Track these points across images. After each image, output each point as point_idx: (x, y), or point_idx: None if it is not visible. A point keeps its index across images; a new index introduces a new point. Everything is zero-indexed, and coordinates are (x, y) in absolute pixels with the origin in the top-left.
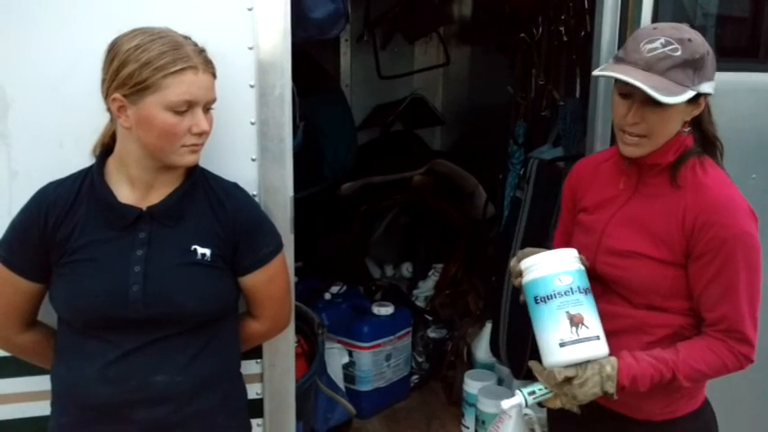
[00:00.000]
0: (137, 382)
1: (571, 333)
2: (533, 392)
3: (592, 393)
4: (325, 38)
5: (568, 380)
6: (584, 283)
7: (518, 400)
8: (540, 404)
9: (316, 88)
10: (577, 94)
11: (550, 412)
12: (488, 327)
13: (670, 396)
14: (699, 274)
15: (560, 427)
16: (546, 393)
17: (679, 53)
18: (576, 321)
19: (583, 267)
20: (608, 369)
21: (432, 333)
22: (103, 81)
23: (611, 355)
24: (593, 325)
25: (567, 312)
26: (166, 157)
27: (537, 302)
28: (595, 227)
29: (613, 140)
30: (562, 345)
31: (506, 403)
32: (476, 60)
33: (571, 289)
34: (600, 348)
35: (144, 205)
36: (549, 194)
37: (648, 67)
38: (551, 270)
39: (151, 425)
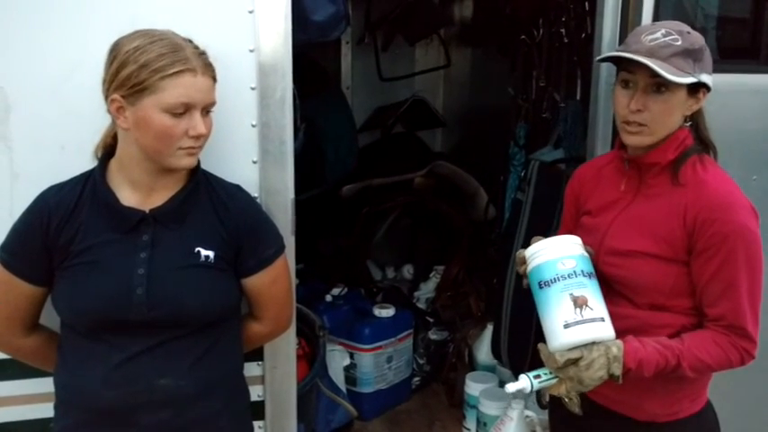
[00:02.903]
0: (141, 386)
1: (575, 314)
2: (539, 376)
3: (598, 377)
4: (326, 40)
5: (574, 362)
6: (588, 267)
7: (523, 384)
8: (540, 399)
9: (317, 90)
10: (578, 96)
11: (552, 414)
12: (490, 328)
13: (673, 396)
14: (700, 270)
15: (562, 428)
16: (551, 378)
17: (679, 42)
18: (579, 303)
19: (586, 254)
20: (614, 350)
21: (433, 335)
22: (104, 82)
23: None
24: (598, 307)
25: (571, 294)
26: (163, 160)
27: (541, 287)
28: (598, 228)
29: (614, 142)
30: (566, 326)
31: (512, 386)
32: (476, 62)
33: (574, 272)
34: (605, 330)
35: (146, 207)
36: (550, 196)
37: (651, 53)
38: (554, 255)
39: (156, 428)
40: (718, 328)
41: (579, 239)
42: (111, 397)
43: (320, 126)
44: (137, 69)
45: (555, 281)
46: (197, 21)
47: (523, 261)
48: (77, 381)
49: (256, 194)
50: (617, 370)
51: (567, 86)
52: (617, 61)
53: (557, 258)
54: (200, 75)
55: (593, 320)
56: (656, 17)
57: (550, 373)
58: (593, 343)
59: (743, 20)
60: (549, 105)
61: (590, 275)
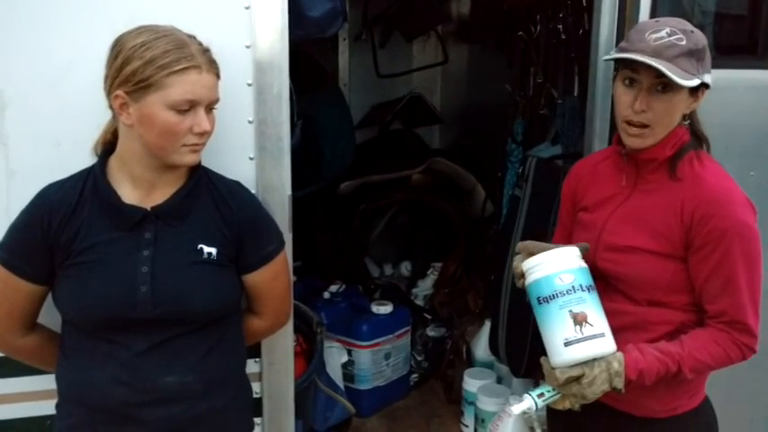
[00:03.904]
0: (149, 384)
1: (575, 332)
2: (542, 394)
3: (600, 391)
4: (323, 36)
5: (576, 379)
6: (587, 280)
7: (528, 404)
8: (548, 407)
9: (314, 87)
10: (576, 92)
11: (550, 410)
12: (487, 325)
13: (671, 393)
14: (699, 266)
15: (560, 425)
16: (555, 395)
17: (684, 42)
18: (579, 320)
19: (585, 265)
20: (615, 365)
21: (431, 332)
22: (106, 77)
23: (618, 350)
24: (598, 322)
25: (570, 311)
26: (167, 156)
27: (540, 303)
28: (595, 224)
29: (611, 138)
30: (567, 344)
31: (517, 408)
32: (474, 59)
33: (573, 287)
34: (605, 345)
35: (147, 205)
36: (548, 192)
37: (657, 54)
38: (552, 270)
39: (163, 425)
40: (719, 325)
41: (577, 250)
42: (117, 395)
43: (317, 123)
44: (142, 65)
45: (553, 297)
46: (193, 17)
47: (522, 275)
48: (82, 379)
49: (253, 191)
50: (619, 384)
51: (565, 83)
52: (618, 59)
53: (554, 273)
54: (206, 72)
55: (593, 337)
56: (654, 13)
57: (553, 389)
58: (594, 359)
59: (739, 15)
60: (547, 102)
61: (589, 289)
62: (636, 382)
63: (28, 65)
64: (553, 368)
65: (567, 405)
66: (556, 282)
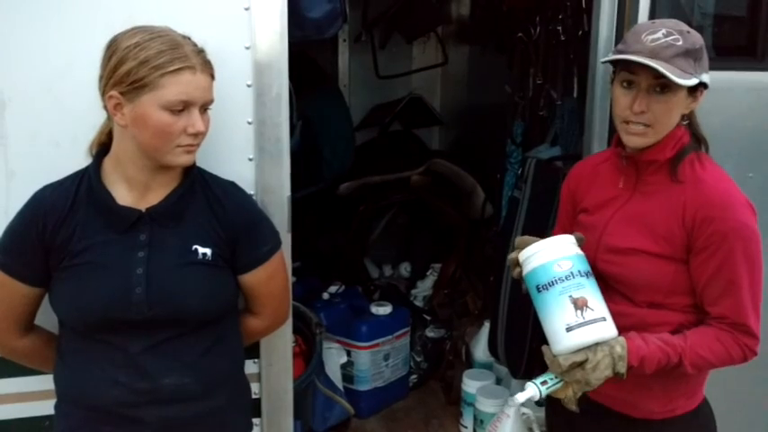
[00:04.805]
0: (146, 385)
1: (576, 317)
2: (545, 382)
3: (604, 376)
4: (323, 37)
5: (579, 365)
6: (585, 266)
7: (532, 392)
8: (548, 397)
9: (314, 88)
10: (575, 94)
11: (549, 411)
12: (487, 326)
13: (669, 394)
14: (700, 269)
15: (559, 426)
16: (558, 382)
17: (681, 43)
18: (579, 304)
19: (581, 252)
20: (618, 349)
21: (430, 333)
22: (101, 78)
23: (619, 335)
24: (598, 307)
25: (570, 296)
26: (161, 157)
27: (539, 291)
28: (596, 226)
29: (611, 140)
30: (569, 329)
31: (521, 396)
32: (474, 60)
33: (572, 273)
34: (607, 330)
35: (142, 206)
36: (547, 194)
37: (654, 54)
38: (550, 257)
39: (162, 425)
40: (722, 326)
41: (573, 238)
42: (115, 396)
43: (317, 124)
44: (136, 66)
45: (553, 284)
46: (193, 18)
47: (516, 264)
48: (80, 381)
49: (252, 192)
50: (622, 368)
51: (564, 84)
52: (615, 60)
53: (552, 261)
54: (200, 72)
55: (594, 321)
56: (653, 14)
57: (556, 377)
58: (597, 344)
59: (738, 17)
60: (546, 103)
61: (587, 274)
62: (637, 369)
63: (27, 65)
64: (555, 355)
65: (569, 393)
66: (554, 268)
